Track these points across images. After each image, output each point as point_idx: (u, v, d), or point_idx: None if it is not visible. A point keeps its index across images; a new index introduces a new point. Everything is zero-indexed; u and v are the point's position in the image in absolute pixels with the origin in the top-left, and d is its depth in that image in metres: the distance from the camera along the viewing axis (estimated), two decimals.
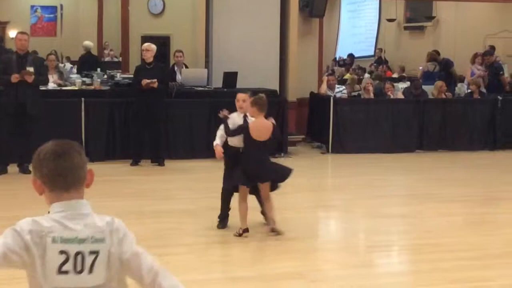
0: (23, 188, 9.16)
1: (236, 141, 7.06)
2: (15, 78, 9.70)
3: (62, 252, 2.33)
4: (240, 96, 7.19)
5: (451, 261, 6.28)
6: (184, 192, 9.09)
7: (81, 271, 2.35)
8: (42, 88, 10.90)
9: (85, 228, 2.37)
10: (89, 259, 2.37)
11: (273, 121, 7.11)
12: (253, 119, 6.96)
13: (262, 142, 6.89)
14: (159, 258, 6.17)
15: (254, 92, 7.43)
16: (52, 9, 20.88)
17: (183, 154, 11.32)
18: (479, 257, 6.45)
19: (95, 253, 2.38)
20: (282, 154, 11.86)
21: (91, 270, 2.37)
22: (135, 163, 10.92)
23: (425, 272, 6.00)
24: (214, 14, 13.01)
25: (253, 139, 6.85)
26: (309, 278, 5.81)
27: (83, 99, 11.08)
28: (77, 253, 2.34)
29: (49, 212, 2.42)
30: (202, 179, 9.66)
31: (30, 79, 9.76)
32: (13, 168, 10.02)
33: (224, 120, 7.10)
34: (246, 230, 6.90)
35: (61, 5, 20.62)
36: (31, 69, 9.81)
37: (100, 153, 11.11)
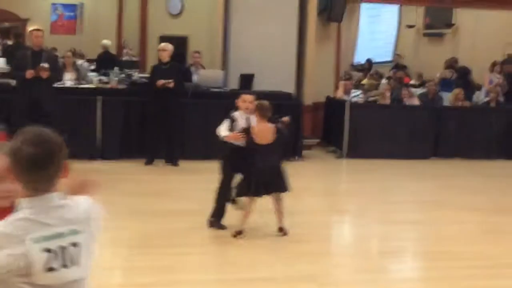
0: None
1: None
2: (29, 74, 9.75)
3: (45, 250, 2.30)
4: (248, 97, 7.18)
5: (463, 269, 6.25)
6: (197, 193, 9.09)
7: (68, 265, 2.34)
8: (59, 85, 10.98)
9: (59, 221, 2.34)
10: (72, 251, 2.35)
11: (281, 124, 7.13)
12: (254, 120, 7.00)
13: (268, 145, 6.90)
14: (171, 257, 6.23)
15: (257, 96, 7.46)
16: (73, 7, 20.99)
17: (197, 155, 11.33)
18: (491, 265, 6.41)
19: (76, 245, 2.36)
20: (297, 158, 11.85)
21: (77, 262, 2.36)
22: (150, 162, 10.96)
23: (437, 279, 5.98)
24: (232, 15, 13.03)
25: (257, 144, 6.87)
26: (320, 281, 5.80)
27: (99, 97, 11.13)
28: (59, 248, 2.32)
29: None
30: (216, 180, 9.64)
31: (45, 75, 9.81)
32: None
33: (228, 118, 7.11)
34: (240, 232, 6.94)
35: (82, 4, 20.73)
36: (46, 65, 9.87)
37: (115, 152, 11.17)
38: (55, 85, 10.46)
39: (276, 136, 6.95)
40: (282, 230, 7.05)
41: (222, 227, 7.18)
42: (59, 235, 2.32)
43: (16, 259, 2.25)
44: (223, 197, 7.23)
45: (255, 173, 6.86)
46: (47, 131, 2.36)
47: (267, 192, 6.95)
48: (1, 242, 2.25)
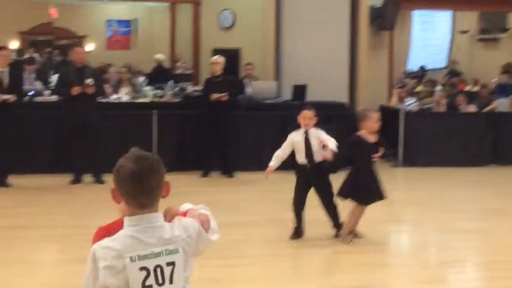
0: (94, 198, 9.42)
1: (300, 158, 7.16)
2: (75, 90, 9.90)
3: (142, 268, 2.43)
4: (308, 114, 7.20)
5: None
6: (253, 204, 9.13)
7: (163, 283, 2.46)
8: (115, 100, 11.16)
9: (158, 241, 2.47)
10: (167, 270, 2.47)
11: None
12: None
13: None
14: (226, 269, 6.25)
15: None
16: (127, 23, 21.37)
17: (252, 166, 11.36)
18: None
19: (172, 264, 2.47)
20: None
21: (171, 280, 2.47)
22: (205, 174, 11.05)
23: None
24: (284, 27, 13.07)
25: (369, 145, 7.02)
26: None
27: (155, 111, 11.28)
28: (156, 267, 2.45)
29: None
30: (271, 191, 9.68)
31: (91, 90, 9.97)
32: (86, 178, 10.27)
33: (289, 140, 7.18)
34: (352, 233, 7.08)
35: (136, 19, 21.08)
36: (90, 80, 10.02)
37: (170, 164, 11.17)
38: (111, 100, 10.63)
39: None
40: (339, 230, 7.13)
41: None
42: (156, 255, 2.46)
43: (114, 274, 2.40)
44: (295, 215, 7.23)
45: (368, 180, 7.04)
46: (145, 151, 2.58)
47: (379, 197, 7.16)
48: (104, 255, 2.41)
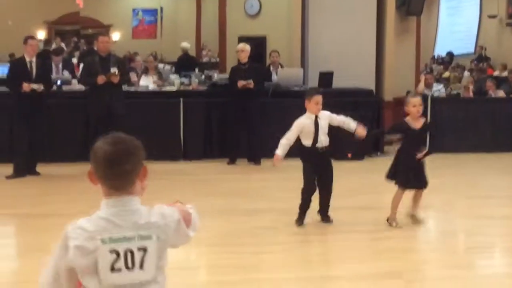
0: None
1: (306, 142, 7.14)
2: (101, 79, 9.95)
3: (112, 251, 2.43)
4: (320, 98, 7.18)
5: None
6: (279, 191, 9.13)
7: (132, 268, 2.46)
8: (142, 89, 11.19)
9: (132, 226, 2.46)
10: (138, 256, 2.46)
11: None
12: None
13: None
14: (253, 256, 6.28)
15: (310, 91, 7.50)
16: (153, 12, 21.46)
17: None
18: None
19: (143, 249, 2.47)
20: (378, 153, 11.76)
21: (141, 265, 2.47)
22: (232, 162, 11.08)
23: None
24: (310, 14, 13.02)
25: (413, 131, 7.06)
26: (407, 278, 5.74)
27: (181, 99, 11.33)
28: (126, 251, 2.45)
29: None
30: (297, 178, 9.67)
31: (116, 79, 10.02)
32: None
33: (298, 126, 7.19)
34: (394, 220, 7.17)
35: (161, 8, 21.15)
36: (115, 69, 10.06)
37: (197, 152, 11.34)
38: (137, 89, 10.65)
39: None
40: (414, 217, 7.27)
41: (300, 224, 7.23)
42: (128, 239, 2.45)
43: (84, 254, 2.41)
44: (305, 201, 7.23)
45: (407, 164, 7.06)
46: (125, 135, 2.53)
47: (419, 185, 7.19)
48: (76, 235, 2.42)
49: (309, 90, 8.09)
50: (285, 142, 7.18)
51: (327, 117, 7.18)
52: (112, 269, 2.43)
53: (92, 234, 2.42)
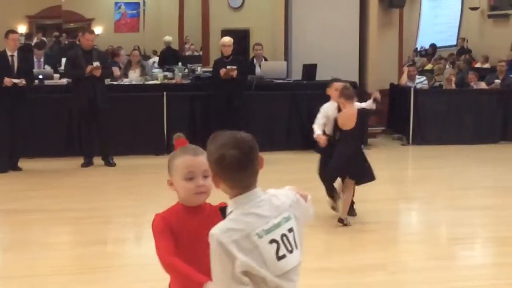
0: (105, 180, 9.47)
1: (330, 131, 7.19)
2: (89, 68, 9.96)
3: (271, 241, 2.43)
4: (340, 85, 7.21)
5: None
6: (266, 184, 9.13)
7: (292, 250, 2.48)
8: (126, 82, 11.15)
9: (273, 212, 2.48)
10: (291, 237, 2.49)
11: (377, 95, 7.13)
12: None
13: (349, 131, 6.92)
14: None
15: (332, 80, 7.50)
16: (135, 5, 21.33)
17: (263, 146, 11.28)
18: None
19: (291, 230, 2.50)
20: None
21: (296, 245, 2.51)
22: None
23: (509, 266, 5.89)
24: (293, 6, 13.02)
25: (340, 129, 6.93)
26: (390, 269, 5.78)
27: (165, 93, 11.30)
28: (282, 236, 2.46)
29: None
30: (281, 171, 9.68)
31: (98, 73, 10.03)
32: (97, 160, 10.30)
33: (323, 112, 7.21)
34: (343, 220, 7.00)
35: (144, 1, 21.05)
36: (97, 63, 10.07)
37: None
38: (121, 83, 10.64)
39: (357, 120, 6.98)
40: (342, 222, 7.03)
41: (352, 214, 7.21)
42: (278, 225, 2.47)
43: (246, 254, 2.37)
44: (329, 188, 7.23)
45: (336, 160, 6.92)
46: (238, 132, 2.55)
47: (348, 175, 6.97)
48: (230, 237, 2.37)
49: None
50: (317, 125, 7.21)
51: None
52: (278, 258, 2.43)
53: (244, 232, 2.39)
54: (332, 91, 7.26)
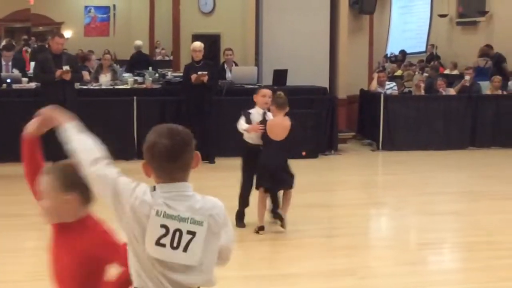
0: None
1: (255, 138, 7.09)
2: (59, 72, 9.88)
3: (162, 225, 2.45)
4: (267, 92, 7.18)
5: (504, 259, 6.20)
6: (235, 190, 9.12)
7: (176, 247, 2.46)
8: (95, 86, 11.05)
9: (186, 210, 2.48)
10: (185, 238, 2.47)
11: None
12: (271, 116, 6.98)
13: (279, 142, 6.88)
14: None
15: (274, 90, 7.45)
16: (105, 9, 21.22)
17: (233, 152, 11.35)
18: None
19: (192, 233, 2.48)
20: (332, 152, 11.83)
21: (185, 248, 2.48)
22: None
23: (477, 270, 5.94)
24: (264, 12, 13.04)
25: (269, 138, 6.87)
26: (360, 275, 5.80)
27: (135, 97, 11.24)
28: (175, 230, 2.46)
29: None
30: None
31: (68, 77, 9.97)
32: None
33: (244, 113, 7.13)
34: (262, 228, 6.94)
35: (114, 5, 20.94)
36: (67, 67, 10.00)
37: None
38: (91, 87, 10.56)
39: (289, 134, 6.88)
40: (259, 230, 6.96)
41: (241, 226, 7.15)
42: (181, 219, 2.47)
43: (137, 216, 2.45)
44: (243, 197, 7.24)
45: (258, 169, 6.88)
46: (176, 125, 2.56)
47: (273, 188, 6.93)
48: (142, 193, 2.48)
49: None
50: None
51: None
52: (157, 243, 2.44)
53: (150, 203, 2.45)
54: (258, 97, 7.23)
